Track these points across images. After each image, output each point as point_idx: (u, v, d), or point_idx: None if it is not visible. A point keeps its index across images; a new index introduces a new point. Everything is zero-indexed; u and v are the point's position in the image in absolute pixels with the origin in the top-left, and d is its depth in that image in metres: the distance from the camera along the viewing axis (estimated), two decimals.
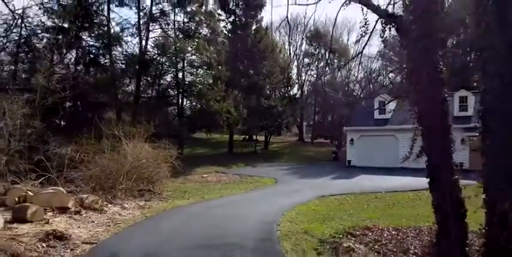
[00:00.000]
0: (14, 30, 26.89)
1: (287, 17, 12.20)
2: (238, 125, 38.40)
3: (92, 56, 32.74)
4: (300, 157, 40.11)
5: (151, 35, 35.21)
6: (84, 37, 31.83)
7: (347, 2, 9.20)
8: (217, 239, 9.55)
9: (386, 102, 27.48)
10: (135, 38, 36.37)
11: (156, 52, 35.90)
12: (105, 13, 32.35)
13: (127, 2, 34.17)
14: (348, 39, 61.45)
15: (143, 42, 34.01)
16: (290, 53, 58.30)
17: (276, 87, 48.53)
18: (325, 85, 53.16)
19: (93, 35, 32.40)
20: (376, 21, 9.04)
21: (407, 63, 8.44)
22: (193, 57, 36.14)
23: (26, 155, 17.03)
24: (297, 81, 58.97)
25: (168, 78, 38.91)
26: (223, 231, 10.44)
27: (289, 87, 55.04)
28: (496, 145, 5.80)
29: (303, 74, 60.01)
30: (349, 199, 16.35)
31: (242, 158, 36.60)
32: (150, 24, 34.55)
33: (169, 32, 35.78)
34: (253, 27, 42.22)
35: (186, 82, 36.53)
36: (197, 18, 35.44)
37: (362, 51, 12.40)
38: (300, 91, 59.37)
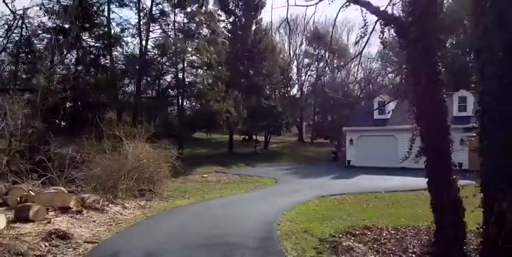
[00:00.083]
0: (15, 31, 27.00)
1: (287, 18, 12.26)
2: (238, 125, 38.40)
3: (92, 56, 32.84)
4: (299, 157, 40.18)
5: (151, 35, 35.35)
6: (84, 38, 31.94)
7: (347, 4, 9.26)
8: (218, 239, 9.61)
9: (386, 102, 27.55)
10: (135, 38, 36.54)
11: (157, 52, 36.03)
12: (106, 14, 32.50)
13: (127, 3, 34.27)
14: (347, 40, 61.56)
15: (143, 43, 34.12)
16: (290, 54, 58.40)
17: (276, 88, 48.52)
18: (325, 85, 53.25)
19: (93, 35, 32.52)
20: (376, 22, 9.12)
21: (406, 64, 8.52)
22: (194, 57, 36.31)
23: (27, 155, 17.12)
24: (296, 81, 59.11)
25: (168, 78, 39.14)
26: (223, 230, 10.50)
27: (289, 88, 55.13)
28: (493, 146, 5.85)
29: (303, 75, 60.18)
30: (348, 199, 16.43)
31: (242, 158, 36.66)
32: (151, 24, 34.62)
33: (169, 33, 35.90)
34: (253, 27, 42.23)
35: (186, 82, 36.64)
36: (197, 19, 35.50)
37: (361, 52, 12.49)
38: (299, 91, 59.54)
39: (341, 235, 9.37)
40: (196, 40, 35.19)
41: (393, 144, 27.45)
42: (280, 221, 11.46)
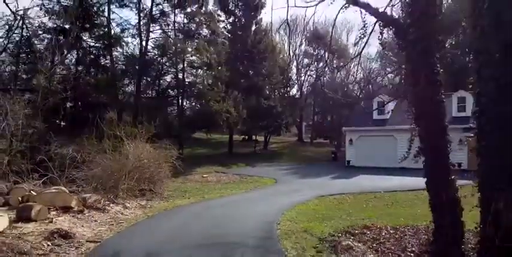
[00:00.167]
0: (16, 31, 27.09)
1: (287, 19, 12.35)
2: (238, 125, 38.47)
3: (92, 56, 32.93)
4: (299, 157, 40.25)
5: (151, 35, 35.42)
6: (84, 38, 32.04)
7: (346, 5, 9.32)
8: (218, 238, 9.68)
9: (385, 103, 27.61)
10: (135, 38, 36.63)
11: (157, 53, 36.13)
12: (106, 14, 32.60)
13: (127, 3, 34.36)
14: (347, 40, 61.67)
15: (143, 43, 34.21)
16: (289, 54, 58.50)
17: (276, 88, 48.65)
18: (325, 86, 53.32)
19: (93, 35, 32.62)
20: (375, 23, 9.19)
21: (405, 65, 8.60)
22: (193, 57, 36.40)
23: (28, 155, 17.18)
24: (296, 81, 59.21)
25: (168, 78, 39.20)
26: (224, 230, 10.57)
27: (288, 88, 55.28)
28: (490, 146, 5.92)
29: (303, 75, 60.31)
30: (348, 199, 16.50)
31: (242, 158, 36.74)
32: (151, 25, 34.69)
33: (169, 33, 36.00)
34: (253, 28, 42.33)
35: (186, 83, 36.72)
36: (197, 19, 35.59)
37: (361, 53, 12.54)
38: (299, 91, 59.63)
39: (340, 235, 9.44)
40: (196, 40, 35.28)
41: (392, 144, 27.52)
42: (280, 221, 11.53)
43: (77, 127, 26.64)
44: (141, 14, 34.52)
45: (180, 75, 36.26)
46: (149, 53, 35.60)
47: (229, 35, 41.67)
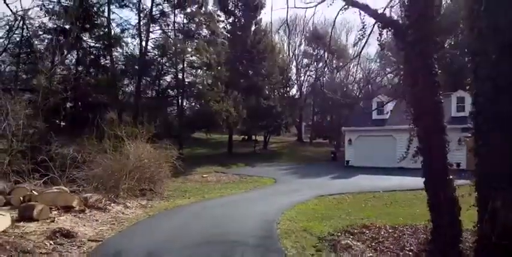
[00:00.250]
0: (16, 32, 27.15)
1: (287, 20, 12.47)
2: (238, 125, 38.53)
3: (92, 57, 33.01)
4: (298, 157, 40.33)
5: (151, 36, 35.54)
6: (85, 38, 32.12)
7: (345, 6, 9.41)
8: (219, 237, 9.78)
9: (385, 103, 27.69)
10: (135, 39, 36.72)
11: (156, 53, 36.25)
12: (106, 14, 32.67)
13: (127, 4, 34.45)
14: (346, 40, 61.68)
15: (143, 43, 34.32)
16: (289, 54, 58.59)
17: (275, 88, 48.75)
18: (324, 86, 53.39)
19: (93, 36, 32.72)
20: (374, 24, 9.28)
21: (404, 66, 8.69)
22: (193, 58, 36.50)
23: (29, 155, 17.24)
24: (295, 81, 59.29)
25: (168, 78, 39.29)
26: (224, 229, 10.67)
27: (288, 88, 55.38)
28: (487, 146, 6.00)
29: (302, 75, 60.39)
30: (347, 198, 16.58)
31: (241, 158, 36.81)
32: (151, 25, 34.81)
33: (169, 33, 36.08)
34: (253, 28, 42.38)
35: (186, 83, 36.86)
36: (197, 19, 35.69)
37: (360, 54, 12.69)
38: (298, 92, 59.70)
39: (340, 234, 9.53)
40: (196, 40, 35.40)
41: (392, 144, 27.60)
42: (280, 220, 11.61)
43: (77, 127, 26.73)
44: (141, 14, 34.67)
45: (180, 76, 36.37)
46: (149, 53, 35.72)
47: (229, 35, 41.71)
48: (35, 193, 12.96)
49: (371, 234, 9.41)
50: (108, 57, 33.20)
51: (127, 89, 37.51)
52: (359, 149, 31.59)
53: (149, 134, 18.37)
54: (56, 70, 27.55)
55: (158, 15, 35.22)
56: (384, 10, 9.67)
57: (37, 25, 28.84)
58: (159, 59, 36.56)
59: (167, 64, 37.28)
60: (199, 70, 37.99)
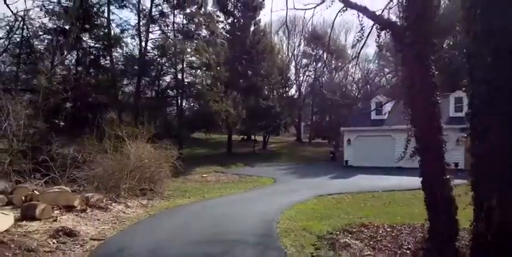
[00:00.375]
0: (16, 32, 27.22)
1: (286, 21, 12.59)
2: (237, 126, 38.62)
3: (92, 57, 33.08)
4: (298, 157, 40.44)
5: (151, 36, 35.67)
6: (84, 38, 32.20)
7: (344, 9, 9.54)
8: (219, 236, 9.90)
9: (383, 103, 27.80)
10: (135, 39, 36.91)
11: (156, 53, 36.40)
12: (106, 15, 32.76)
13: (127, 4, 34.55)
14: (345, 40, 61.79)
15: (143, 44, 34.42)
16: (288, 54, 58.73)
17: (274, 88, 48.85)
18: (323, 86, 53.50)
19: (93, 36, 32.77)
20: (372, 26, 9.40)
21: (401, 67, 8.81)
22: (193, 58, 36.58)
23: (30, 155, 17.34)
24: (294, 81, 59.41)
25: (168, 79, 39.42)
26: (224, 228, 10.79)
27: (287, 88, 55.46)
28: (483, 147, 6.13)
29: (301, 75, 60.50)
30: (346, 198, 16.65)
31: (241, 158, 36.91)
32: (150, 25, 34.95)
33: (168, 34, 36.17)
34: (252, 28, 42.47)
35: (186, 83, 36.96)
36: (196, 20, 35.80)
37: (358, 55, 12.80)
38: (297, 92, 59.79)
39: (338, 233, 9.63)
40: (196, 41, 35.50)
41: (390, 144, 27.67)
42: (280, 220, 11.71)
43: (77, 127, 26.86)
44: (141, 15, 34.82)
45: (180, 76, 36.47)
46: (149, 54, 35.86)
47: (228, 36, 41.84)
48: (37, 192, 13.11)
49: (369, 233, 9.51)
50: (108, 58, 33.31)
51: (126, 89, 37.62)
52: (358, 149, 31.70)
53: (149, 134, 18.48)
54: (56, 70, 27.64)
55: (158, 15, 35.34)
56: (382, 12, 9.82)
57: (37, 25, 28.96)
58: (158, 59, 36.69)
59: (167, 64, 37.42)
60: (198, 70, 38.12)
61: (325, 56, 53.21)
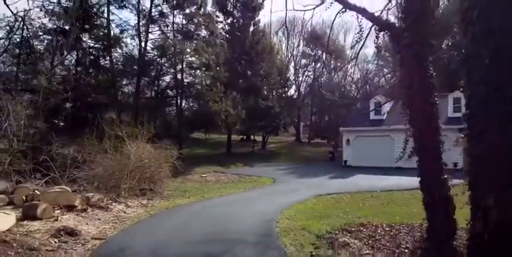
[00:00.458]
0: (16, 33, 27.24)
1: (285, 22, 12.68)
2: (237, 126, 38.66)
3: (92, 57, 33.08)
4: (297, 157, 40.50)
5: (150, 36, 35.67)
6: (84, 39, 32.17)
7: (343, 10, 9.63)
8: (219, 235, 9.98)
9: (382, 103, 27.88)
10: (134, 39, 36.93)
11: (156, 53, 36.37)
12: (105, 15, 32.78)
13: (127, 5, 34.59)
14: (344, 41, 61.88)
15: (143, 44, 34.44)
16: (287, 54, 58.79)
17: (274, 88, 48.87)
18: (322, 86, 53.57)
19: (93, 36, 32.77)
20: (371, 27, 9.49)
21: (400, 68, 8.89)
22: (192, 58, 36.58)
23: (30, 155, 17.39)
24: (294, 82, 59.48)
25: (167, 79, 39.34)
26: (224, 228, 10.86)
27: (286, 88, 55.52)
28: (480, 147, 6.19)
29: (300, 75, 60.54)
30: (345, 198, 16.72)
31: (240, 158, 36.95)
32: (150, 26, 34.95)
33: (168, 34, 36.18)
34: (251, 28, 42.52)
35: (185, 83, 36.96)
36: (196, 20, 35.82)
37: (357, 56, 12.88)
38: (297, 92, 59.86)
39: (337, 232, 9.71)
40: (195, 41, 35.54)
41: (389, 144, 27.72)
42: (279, 219, 11.78)
43: (77, 127, 26.90)
44: (140, 15, 34.85)
45: (179, 76, 36.47)
46: (148, 54, 35.87)
47: (228, 36, 41.90)
48: (38, 192, 13.17)
49: (368, 232, 9.59)
50: (108, 58, 33.33)
51: (126, 89, 37.66)
52: (357, 149, 31.79)
53: (149, 135, 18.54)
54: (55, 71, 27.66)
55: (157, 16, 35.34)
56: (381, 13, 9.93)
57: (37, 26, 28.94)
58: (158, 59, 36.70)
59: (166, 65, 37.43)
60: (198, 71, 38.13)
61: (324, 56, 53.44)
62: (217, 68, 34.90)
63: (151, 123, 21.10)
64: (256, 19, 42.78)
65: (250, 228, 10.73)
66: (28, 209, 11.04)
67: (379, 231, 9.68)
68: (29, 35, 27.98)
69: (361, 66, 58.63)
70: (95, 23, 32.22)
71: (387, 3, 10.46)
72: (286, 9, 12.02)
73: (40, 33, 29.28)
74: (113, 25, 34.36)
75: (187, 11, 35.72)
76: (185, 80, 37.15)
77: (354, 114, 38.15)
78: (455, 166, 18.10)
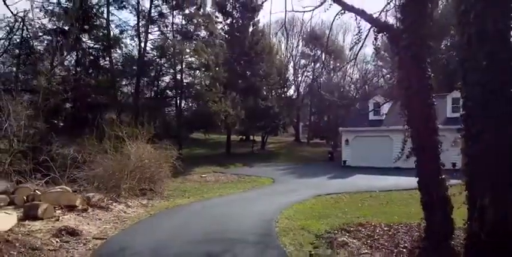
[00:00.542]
0: (16, 33, 27.28)
1: (285, 23, 12.74)
2: (236, 126, 38.67)
3: (92, 57, 33.05)
4: (296, 157, 40.55)
5: (150, 37, 35.64)
6: (84, 39, 32.11)
7: (342, 11, 9.71)
8: (219, 235, 10.05)
9: (381, 104, 27.94)
10: (134, 40, 36.87)
11: (155, 54, 36.39)
12: (105, 16, 32.77)
13: (126, 5, 34.61)
14: (343, 41, 61.96)
15: (142, 44, 34.45)
16: (286, 55, 58.86)
17: (273, 89, 48.93)
18: (321, 86, 53.60)
19: (93, 37, 32.72)
20: (370, 28, 9.57)
21: (398, 70, 8.97)
22: (192, 59, 36.54)
23: (30, 156, 17.43)
24: (293, 82, 59.57)
25: (167, 79, 39.29)
26: (224, 227, 10.94)
27: (285, 88, 55.60)
28: (477, 147, 6.29)
29: (299, 75, 60.62)
30: (344, 198, 16.80)
31: (240, 158, 36.99)
32: (149, 26, 34.92)
33: (167, 34, 36.18)
34: (250, 29, 42.53)
35: (184, 83, 36.94)
36: (195, 21, 35.81)
37: (356, 57, 12.96)
38: (296, 92, 59.94)
39: (336, 232, 9.80)
40: (194, 42, 35.56)
41: (388, 144, 27.76)
42: (278, 219, 11.87)
43: (77, 128, 26.90)
44: (140, 16, 34.84)
45: (179, 76, 36.45)
46: (148, 54, 35.88)
47: (227, 37, 41.93)
48: (38, 192, 13.23)
49: (367, 232, 9.68)
50: (107, 58, 33.33)
51: (126, 89, 37.69)
52: (356, 150, 31.87)
53: (149, 135, 18.60)
54: (55, 71, 27.68)
55: (157, 16, 35.34)
56: (380, 14, 10.02)
57: (37, 26, 28.93)
58: (157, 60, 36.71)
59: (166, 65, 37.43)
60: (197, 71, 38.15)
61: (323, 56, 53.51)
62: (217, 69, 34.93)
63: (151, 123, 21.11)
64: (256, 19, 42.81)
65: (250, 228, 10.81)
66: (29, 209, 11.12)
67: (377, 231, 9.76)
68: (28, 36, 28.00)
69: (360, 67, 58.95)
70: (95, 23, 32.22)
71: (386, 5, 10.58)
72: (286, 11, 12.10)
73: (40, 34, 29.27)
74: (113, 26, 34.47)
75: (187, 11, 35.73)
76: (184, 81, 37.21)
77: (353, 115, 38.24)
78: (453, 166, 18.17)
